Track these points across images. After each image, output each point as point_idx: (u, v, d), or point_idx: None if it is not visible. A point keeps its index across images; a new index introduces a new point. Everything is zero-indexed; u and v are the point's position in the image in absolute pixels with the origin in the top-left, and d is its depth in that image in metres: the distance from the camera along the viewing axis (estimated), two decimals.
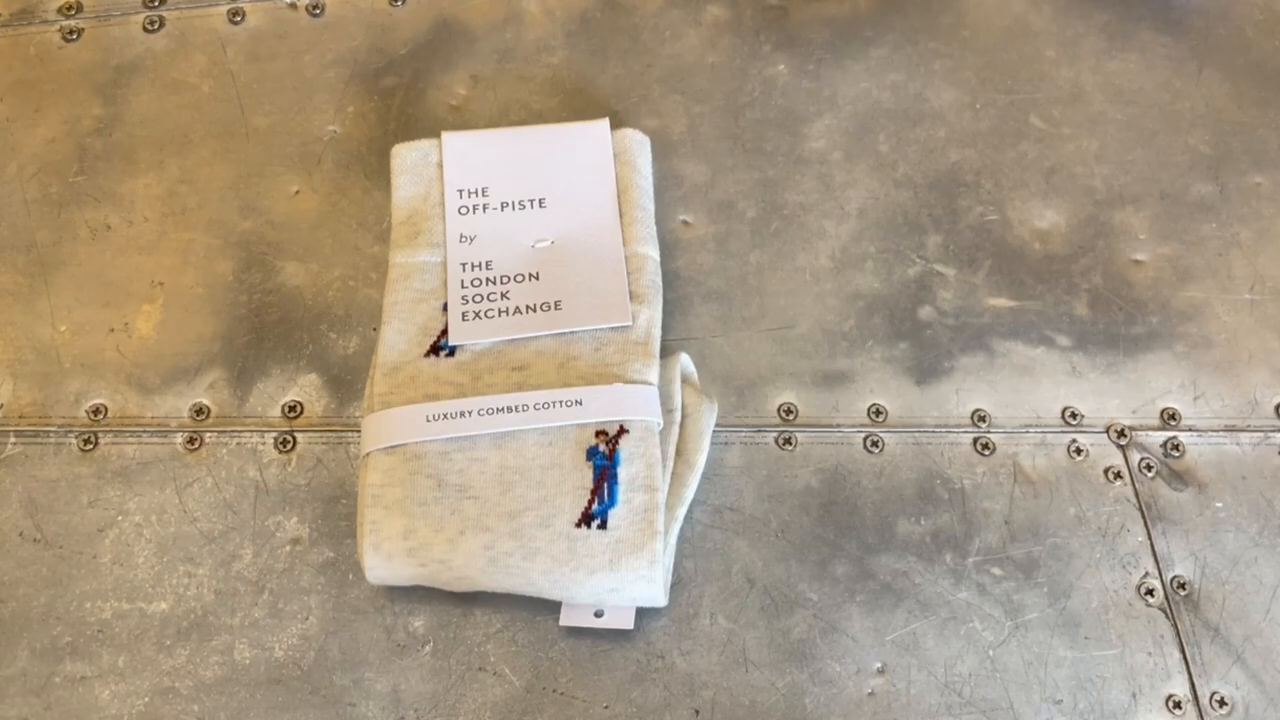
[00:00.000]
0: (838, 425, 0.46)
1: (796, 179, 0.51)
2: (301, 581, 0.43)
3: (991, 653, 0.42)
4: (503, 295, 0.45)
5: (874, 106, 0.53)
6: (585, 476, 0.41)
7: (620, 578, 0.39)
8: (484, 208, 0.47)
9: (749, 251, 0.49)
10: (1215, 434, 0.47)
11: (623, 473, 0.41)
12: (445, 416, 0.42)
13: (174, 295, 0.48)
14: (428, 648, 0.42)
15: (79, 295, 0.48)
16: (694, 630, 0.42)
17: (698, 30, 0.54)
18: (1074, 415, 0.46)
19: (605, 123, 0.48)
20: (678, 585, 0.43)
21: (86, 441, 0.45)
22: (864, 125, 0.52)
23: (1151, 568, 0.44)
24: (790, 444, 0.46)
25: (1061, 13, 0.55)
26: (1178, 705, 0.41)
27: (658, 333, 0.44)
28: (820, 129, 0.52)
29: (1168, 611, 0.43)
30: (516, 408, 0.42)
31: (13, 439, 0.46)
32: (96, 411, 0.46)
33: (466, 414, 0.42)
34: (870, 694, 0.41)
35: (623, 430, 0.42)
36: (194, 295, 0.48)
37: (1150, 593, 0.43)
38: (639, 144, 0.49)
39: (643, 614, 0.42)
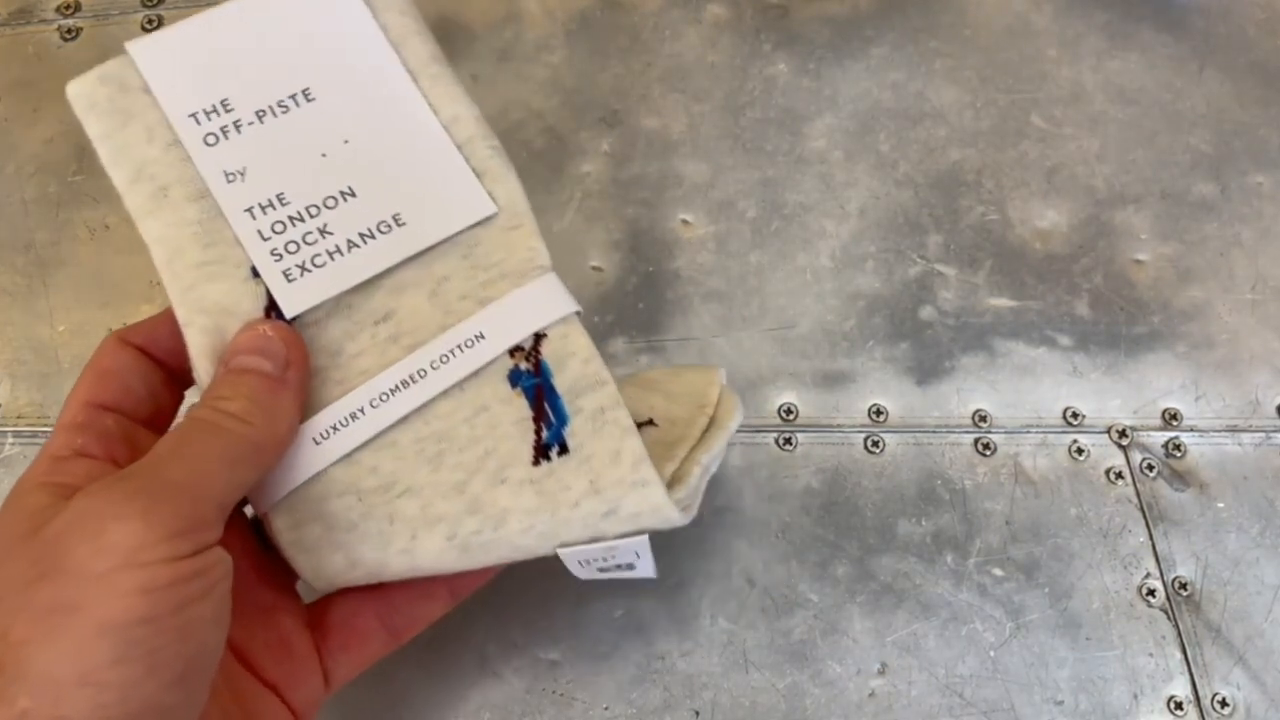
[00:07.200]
0: (838, 425, 0.46)
1: (797, 179, 0.51)
2: None
3: (993, 654, 0.42)
4: (321, 231, 0.34)
5: (874, 106, 0.53)
6: (519, 406, 0.33)
7: (609, 497, 0.32)
8: (236, 126, 0.34)
9: (749, 251, 0.49)
10: (1217, 434, 0.46)
11: (559, 382, 0.33)
12: (335, 428, 0.33)
13: None
14: (428, 648, 0.41)
15: (78, 295, 0.48)
16: (694, 631, 0.42)
17: (698, 30, 0.54)
18: (1075, 415, 0.46)
19: None
20: (678, 586, 0.42)
21: None
22: (864, 125, 0.52)
23: (1153, 568, 0.44)
24: (790, 444, 0.45)
25: (1062, 12, 0.55)
26: (1179, 706, 0.41)
27: (525, 204, 0.35)
28: (820, 128, 0.52)
29: (1169, 612, 0.43)
30: (413, 377, 0.33)
31: (10, 439, 0.45)
32: None
33: (358, 414, 0.33)
34: (871, 695, 0.41)
35: (540, 337, 0.34)
36: None
37: (1152, 593, 0.43)
38: None
39: (643, 615, 0.41)
